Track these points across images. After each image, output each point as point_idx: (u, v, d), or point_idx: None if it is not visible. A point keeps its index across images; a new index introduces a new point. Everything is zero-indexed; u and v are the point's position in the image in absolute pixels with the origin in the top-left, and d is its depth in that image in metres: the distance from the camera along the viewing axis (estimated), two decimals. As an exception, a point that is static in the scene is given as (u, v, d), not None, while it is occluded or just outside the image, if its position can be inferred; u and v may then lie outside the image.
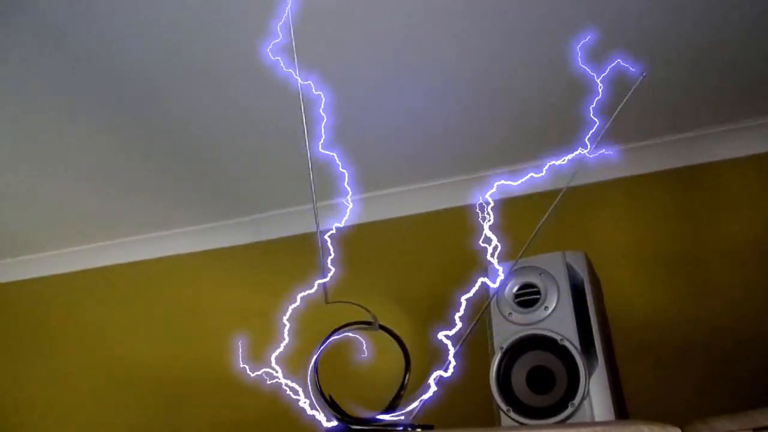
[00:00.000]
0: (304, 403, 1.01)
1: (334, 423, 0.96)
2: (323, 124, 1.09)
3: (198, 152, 1.65)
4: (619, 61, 1.09)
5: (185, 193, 1.83)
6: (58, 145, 1.61)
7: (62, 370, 1.96)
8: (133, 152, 1.64)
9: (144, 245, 2.03)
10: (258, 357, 1.72)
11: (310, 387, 1.02)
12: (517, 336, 1.12)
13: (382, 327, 1.01)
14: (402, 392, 0.98)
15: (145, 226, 2.00)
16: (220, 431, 1.68)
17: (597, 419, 1.02)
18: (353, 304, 1.08)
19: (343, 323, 1.14)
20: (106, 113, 1.49)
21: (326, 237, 1.12)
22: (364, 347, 1.07)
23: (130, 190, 1.81)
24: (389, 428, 0.94)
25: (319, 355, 1.06)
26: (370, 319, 1.04)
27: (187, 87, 1.41)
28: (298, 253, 1.85)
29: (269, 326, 1.77)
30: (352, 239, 1.80)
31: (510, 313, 1.15)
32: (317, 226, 1.13)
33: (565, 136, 1.58)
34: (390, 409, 0.97)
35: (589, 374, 1.05)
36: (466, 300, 1.01)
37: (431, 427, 0.96)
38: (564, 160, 1.16)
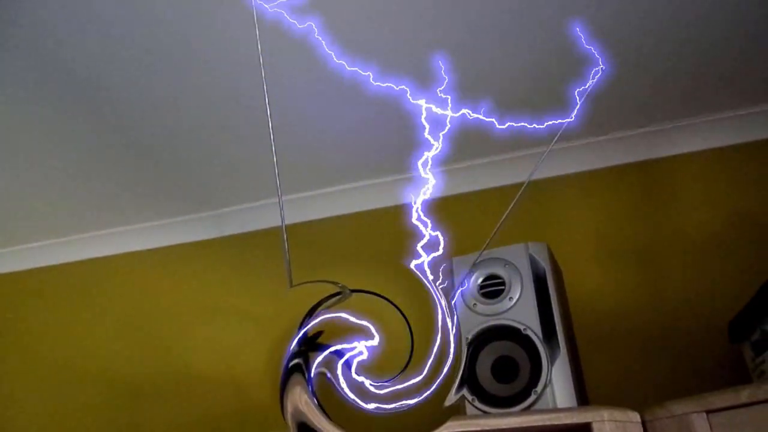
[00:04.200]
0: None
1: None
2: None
3: (156, 145, 1.61)
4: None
5: (143, 189, 1.78)
6: (6, 140, 1.56)
7: (17, 371, 1.90)
8: (88, 147, 1.60)
9: (101, 242, 1.97)
10: (221, 352, 1.71)
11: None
12: (481, 327, 1.13)
13: (354, 290, 1.00)
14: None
15: (103, 223, 1.94)
16: (181, 429, 1.66)
17: (559, 406, 1.03)
18: (319, 282, 1.07)
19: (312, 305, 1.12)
20: (58, 108, 1.45)
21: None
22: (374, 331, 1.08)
23: (87, 186, 1.76)
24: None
25: (300, 338, 1.05)
26: (338, 290, 1.02)
27: (139, 77, 1.38)
28: (259, 249, 1.83)
29: (230, 322, 1.75)
30: (323, 234, 1.81)
31: (475, 304, 1.16)
32: (282, 219, 1.12)
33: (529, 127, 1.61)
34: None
35: (552, 362, 1.07)
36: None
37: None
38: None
